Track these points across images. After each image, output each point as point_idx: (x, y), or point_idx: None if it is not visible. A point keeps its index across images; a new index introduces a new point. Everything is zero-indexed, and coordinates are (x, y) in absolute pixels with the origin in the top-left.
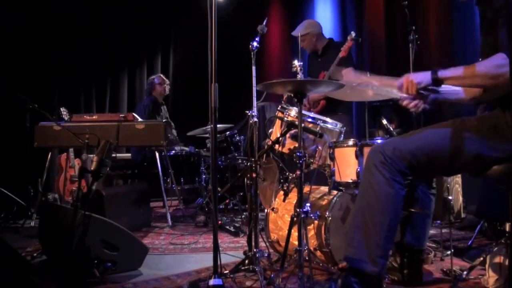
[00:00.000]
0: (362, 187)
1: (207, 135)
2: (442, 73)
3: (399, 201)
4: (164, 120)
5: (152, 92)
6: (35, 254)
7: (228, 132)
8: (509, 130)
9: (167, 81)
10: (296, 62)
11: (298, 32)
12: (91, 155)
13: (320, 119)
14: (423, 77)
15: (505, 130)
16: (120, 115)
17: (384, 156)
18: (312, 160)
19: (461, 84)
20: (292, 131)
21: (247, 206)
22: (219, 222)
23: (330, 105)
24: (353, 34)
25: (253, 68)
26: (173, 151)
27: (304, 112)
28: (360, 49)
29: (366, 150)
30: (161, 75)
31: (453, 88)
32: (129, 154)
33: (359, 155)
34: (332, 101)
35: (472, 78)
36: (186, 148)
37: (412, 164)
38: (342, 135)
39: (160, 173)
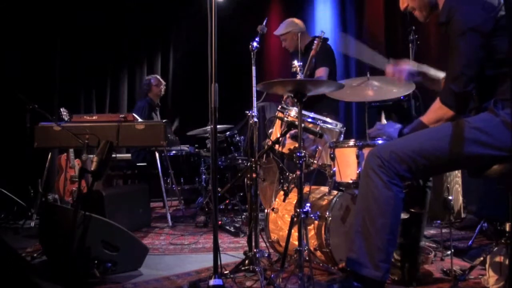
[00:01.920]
0: (361, 191)
1: (207, 135)
2: (405, 131)
3: (399, 204)
4: (164, 121)
5: (149, 93)
6: (35, 255)
7: (228, 132)
8: (505, 128)
9: (163, 82)
10: (296, 62)
11: (279, 31)
12: (91, 156)
13: (320, 119)
14: (391, 134)
15: (503, 129)
16: (120, 116)
17: (381, 160)
18: (312, 160)
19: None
20: (292, 131)
21: (247, 206)
22: (219, 222)
23: (311, 105)
24: (321, 34)
25: (253, 68)
26: (173, 152)
27: (304, 112)
28: None
29: (366, 151)
30: (157, 76)
31: (434, 75)
32: (129, 155)
33: (359, 155)
34: (313, 100)
35: (430, 125)
36: (186, 148)
37: (410, 167)
38: (342, 135)
39: (160, 173)
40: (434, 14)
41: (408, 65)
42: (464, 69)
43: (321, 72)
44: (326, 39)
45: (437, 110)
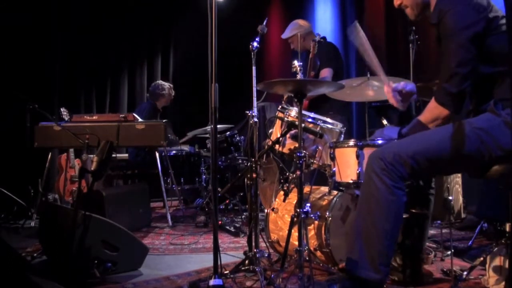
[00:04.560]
0: (363, 194)
1: (207, 135)
2: (404, 131)
3: (401, 208)
4: (164, 121)
5: (157, 100)
6: (35, 254)
7: (228, 133)
8: (506, 129)
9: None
10: (296, 62)
11: (285, 35)
12: (91, 156)
13: (320, 119)
14: (391, 135)
15: (504, 129)
16: (120, 115)
17: (384, 162)
18: (312, 160)
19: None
20: (292, 131)
21: (247, 206)
22: (219, 222)
23: (317, 105)
24: (316, 38)
25: (253, 68)
26: (173, 152)
27: (304, 112)
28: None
29: (366, 151)
30: (171, 87)
31: None
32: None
33: (359, 155)
34: (320, 100)
35: (427, 125)
36: (186, 148)
37: (413, 169)
38: (342, 135)
39: (160, 173)
40: (426, 15)
41: (404, 84)
42: (457, 69)
43: (325, 73)
44: (324, 38)
45: (433, 110)
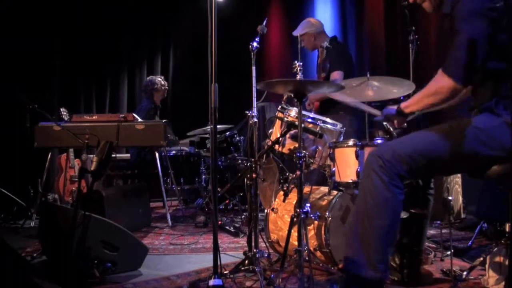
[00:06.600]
0: (361, 192)
1: (207, 135)
2: (403, 104)
3: (398, 206)
4: (164, 121)
5: (153, 95)
6: (35, 254)
7: (228, 133)
8: (507, 129)
9: (166, 83)
10: (296, 62)
11: (297, 32)
12: (91, 156)
13: (320, 119)
14: (389, 111)
15: (505, 129)
16: (120, 116)
17: (382, 160)
18: (312, 161)
19: (422, 107)
20: (292, 132)
21: (247, 206)
22: (219, 222)
23: (328, 105)
24: (324, 44)
25: (253, 68)
26: (173, 152)
27: (304, 112)
28: (360, 49)
29: (366, 150)
30: (161, 79)
31: None
32: (129, 155)
33: (359, 155)
34: (330, 101)
35: (426, 98)
36: (186, 148)
37: (411, 167)
38: (342, 135)
39: (160, 174)
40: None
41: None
42: (468, 48)
43: (336, 76)
44: (335, 38)
45: (438, 81)
